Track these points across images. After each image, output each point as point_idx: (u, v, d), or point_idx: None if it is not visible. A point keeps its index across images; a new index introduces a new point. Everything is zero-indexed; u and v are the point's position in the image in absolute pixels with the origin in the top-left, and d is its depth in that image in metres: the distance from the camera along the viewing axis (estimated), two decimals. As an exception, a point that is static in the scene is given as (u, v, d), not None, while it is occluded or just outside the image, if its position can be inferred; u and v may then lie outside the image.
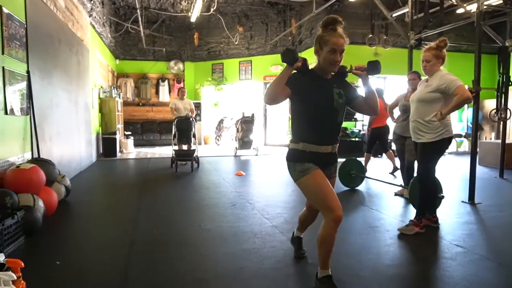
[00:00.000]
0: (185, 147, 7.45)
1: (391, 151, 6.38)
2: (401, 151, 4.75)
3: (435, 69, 3.17)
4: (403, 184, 4.83)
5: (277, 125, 12.02)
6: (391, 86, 10.81)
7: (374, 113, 2.26)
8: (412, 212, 3.91)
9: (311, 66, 2.17)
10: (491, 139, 10.48)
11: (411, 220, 3.29)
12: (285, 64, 2.01)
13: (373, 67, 2.14)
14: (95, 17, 8.10)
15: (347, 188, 5.19)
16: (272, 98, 2.04)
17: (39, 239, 3.08)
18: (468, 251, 2.79)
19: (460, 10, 8.95)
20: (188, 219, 3.76)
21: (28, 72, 4.11)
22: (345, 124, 8.23)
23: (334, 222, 2.03)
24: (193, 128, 7.29)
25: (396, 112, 4.89)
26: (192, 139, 7.29)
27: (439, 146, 3.11)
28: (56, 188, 3.97)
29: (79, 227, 3.57)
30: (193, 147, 7.33)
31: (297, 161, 2.12)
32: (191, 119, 7.28)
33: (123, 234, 3.24)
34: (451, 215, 3.83)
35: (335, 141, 2.16)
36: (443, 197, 3.72)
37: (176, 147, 7.25)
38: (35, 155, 4.23)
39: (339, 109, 2.13)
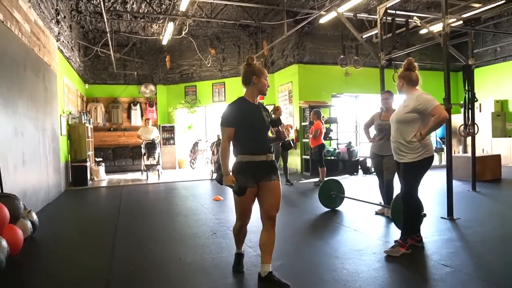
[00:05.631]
0: (153, 161, 9.81)
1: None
2: (378, 169, 4.78)
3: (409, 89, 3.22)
4: (382, 203, 4.85)
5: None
6: (362, 104, 11.09)
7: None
8: (394, 230, 3.90)
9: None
10: (458, 152, 10.89)
11: (396, 241, 3.26)
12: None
13: (287, 146, 2.85)
14: (63, 41, 7.86)
15: (328, 209, 5.14)
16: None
17: (2, 283, 2.80)
18: (456, 271, 2.76)
19: (423, 31, 9.41)
20: (168, 251, 3.56)
21: (-11, 101, 3.85)
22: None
23: (240, 224, 2.75)
24: (158, 148, 9.89)
25: (372, 131, 4.93)
26: (156, 156, 9.82)
27: (421, 166, 3.12)
28: (22, 225, 3.67)
29: (47, 267, 3.29)
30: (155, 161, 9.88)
31: (237, 173, 2.57)
32: (156, 142, 9.88)
33: (98, 272, 3.01)
34: (433, 233, 3.84)
35: (267, 151, 2.63)
36: (425, 215, 3.73)
37: (147, 162, 9.83)
38: (-2, 190, 3.92)
39: (268, 126, 2.70)
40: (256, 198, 2.63)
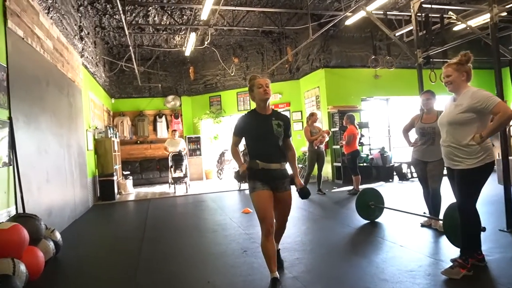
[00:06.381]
0: (180, 174, 9.49)
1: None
2: (422, 177, 4.33)
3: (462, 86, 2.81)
4: (426, 213, 4.39)
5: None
6: (394, 107, 10.54)
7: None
8: (446, 246, 3.45)
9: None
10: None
11: (455, 260, 2.82)
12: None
13: (303, 195, 2.96)
14: (87, 57, 7.89)
15: (366, 222, 4.72)
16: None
17: (19, 314, 2.59)
18: (535, 299, 2.31)
19: (457, 27, 8.83)
20: (195, 273, 3.27)
21: (10, 118, 3.74)
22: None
23: (265, 232, 2.68)
24: (185, 160, 9.51)
25: (412, 135, 4.48)
26: (184, 168, 9.44)
27: (482, 173, 2.69)
28: (43, 247, 3.50)
29: (68, 292, 3.08)
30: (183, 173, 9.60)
31: (250, 178, 2.80)
32: (183, 154, 9.52)
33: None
34: (493, 249, 3.35)
35: (280, 160, 2.83)
36: (484, 229, 3.25)
37: (174, 175, 9.43)
38: (20, 210, 3.78)
39: (278, 135, 2.84)
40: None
